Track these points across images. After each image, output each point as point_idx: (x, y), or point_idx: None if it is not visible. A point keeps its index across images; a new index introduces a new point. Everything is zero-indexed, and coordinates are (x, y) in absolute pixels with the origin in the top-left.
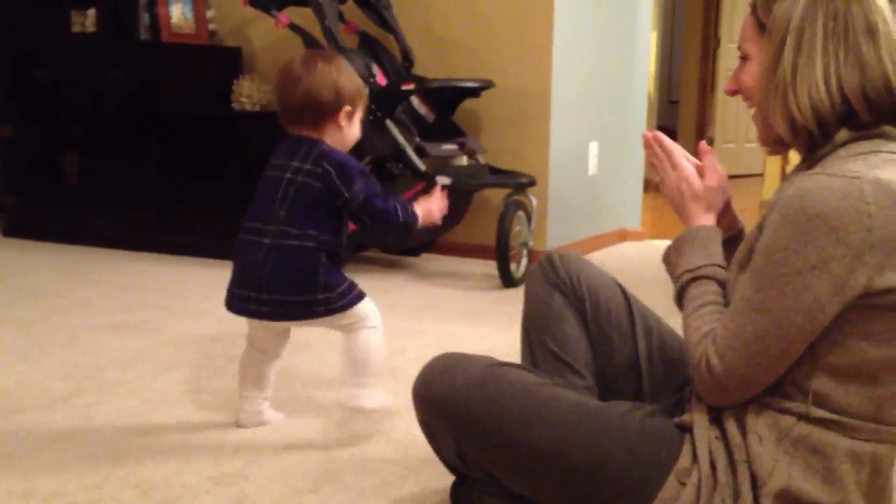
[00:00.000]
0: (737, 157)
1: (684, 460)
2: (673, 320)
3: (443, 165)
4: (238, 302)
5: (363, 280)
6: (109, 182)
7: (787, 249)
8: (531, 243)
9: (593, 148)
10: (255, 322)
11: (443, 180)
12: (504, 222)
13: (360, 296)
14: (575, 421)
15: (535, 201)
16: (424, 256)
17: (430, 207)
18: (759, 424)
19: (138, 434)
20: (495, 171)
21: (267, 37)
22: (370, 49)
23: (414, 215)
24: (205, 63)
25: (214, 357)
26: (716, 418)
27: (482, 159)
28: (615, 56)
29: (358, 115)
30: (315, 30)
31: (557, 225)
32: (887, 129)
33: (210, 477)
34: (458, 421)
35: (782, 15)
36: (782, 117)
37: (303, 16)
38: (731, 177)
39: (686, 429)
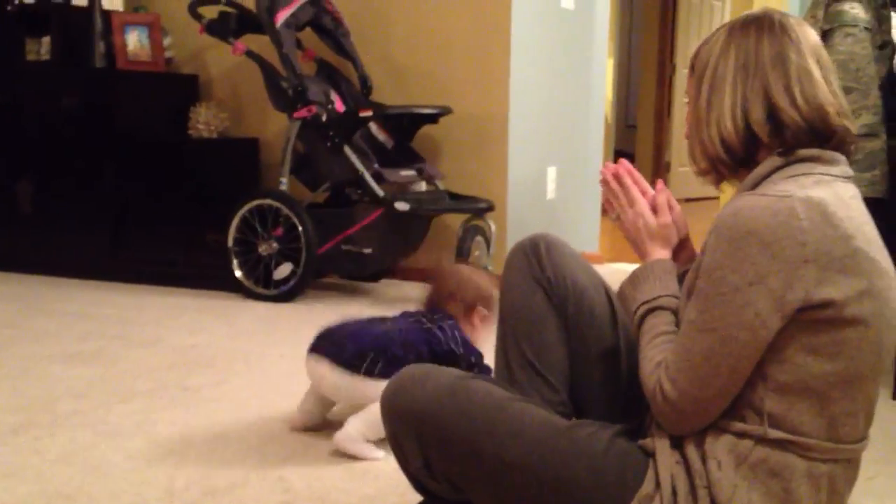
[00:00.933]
0: (693, 180)
1: (648, 486)
2: None
3: (401, 191)
4: None
5: (323, 306)
6: (64, 210)
7: (723, 268)
8: (491, 268)
9: (551, 172)
10: None
11: (401, 206)
12: (463, 247)
13: None
14: (543, 437)
15: (493, 226)
16: (383, 282)
17: None
18: (718, 449)
19: (90, 468)
20: (454, 197)
21: (224, 64)
22: (328, 76)
23: None
24: (161, 90)
25: (169, 387)
26: (677, 443)
27: (441, 185)
28: (572, 82)
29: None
30: (272, 57)
31: None
32: (821, 152)
33: None
34: (426, 430)
35: (704, 55)
36: (699, 149)
37: (260, 43)
38: (688, 200)
39: (649, 453)
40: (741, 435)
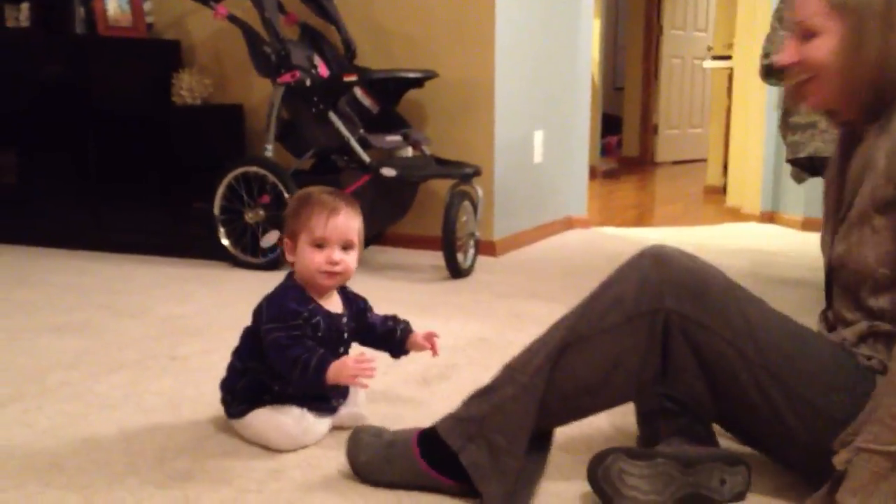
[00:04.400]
0: (680, 142)
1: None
2: None
3: (388, 157)
4: None
5: None
6: (48, 180)
7: None
8: (478, 233)
9: (538, 136)
10: None
11: (388, 172)
12: (450, 213)
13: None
14: (811, 335)
15: (480, 191)
16: (371, 248)
17: (346, 366)
18: None
19: (81, 439)
20: (441, 162)
21: (206, 29)
22: (312, 40)
23: (316, 376)
24: (143, 57)
25: (158, 357)
26: None
27: (427, 150)
28: (559, 44)
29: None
30: (255, 21)
31: (504, 214)
32: None
33: (153, 480)
34: (705, 296)
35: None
36: (870, 87)
37: (242, 7)
38: (675, 162)
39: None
40: None
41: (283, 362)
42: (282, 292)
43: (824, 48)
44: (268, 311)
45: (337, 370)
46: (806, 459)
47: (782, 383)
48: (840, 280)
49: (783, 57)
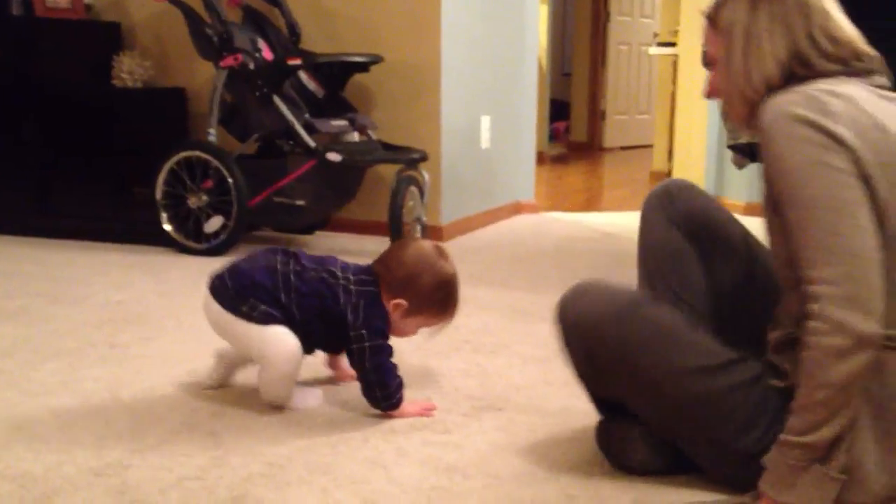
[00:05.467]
0: (628, 128)
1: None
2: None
3: (334, 142)
4: None
5: None
6: None
7: (793, 156)
8: (425, 218)
9: (485, 122)
10: None
11: (333, 157)
12: (396, 198)
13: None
14: (697, 371)
15: (427, 176)
16: (318, 234)
17: (416, 404)
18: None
19: (16, 426)
20: (387, 147)
21: (146, 11)
22: (255, 23)
23: (397, 403)
24: (82, 39)
25: (97, 344)
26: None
27: (374, 135)
28: (505, 30)
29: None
30: (196, 3)
31: (451, 199)
32: (841, 72)
33: (91, 468)
34: (592, 342)
35: (729, 15)
36: (740, 99)
37: None
38: (623, 148)
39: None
40: None
41: (386, 380)
42: (380, 310)
43: (718, 73)
44: (371, 319)
45: (408, 405)
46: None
47: (691, 432)
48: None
49: (704, 91)
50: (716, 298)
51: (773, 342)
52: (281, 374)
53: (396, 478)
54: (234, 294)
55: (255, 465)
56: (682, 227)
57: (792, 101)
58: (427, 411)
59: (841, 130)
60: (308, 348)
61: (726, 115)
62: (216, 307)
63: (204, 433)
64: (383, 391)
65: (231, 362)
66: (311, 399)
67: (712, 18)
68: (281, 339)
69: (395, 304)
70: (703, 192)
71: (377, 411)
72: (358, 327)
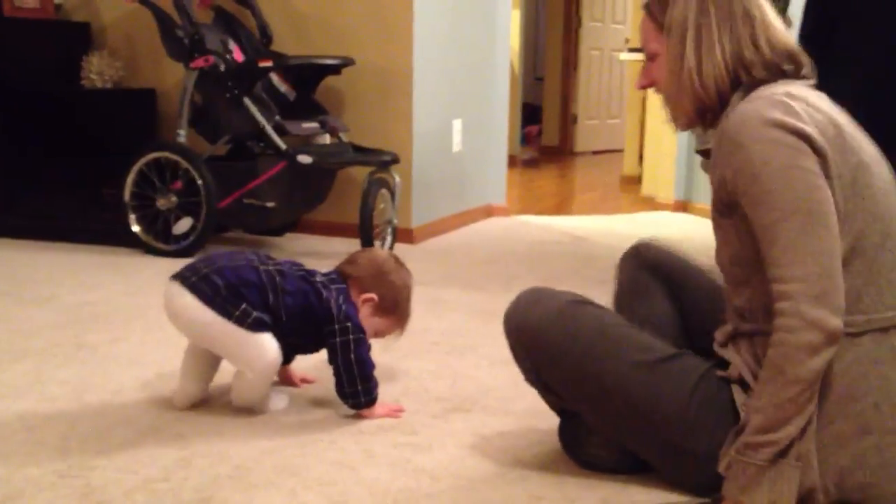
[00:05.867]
0: (599, 133)
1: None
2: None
3: (304, 144)
4: None
5: None
6: None
7: (764, 161)
8: (395, 221)
9: (457, 125)
10: None
11: (304, 159)
12: (367, 200)
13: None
14: (639, 363)
15: (398, 179)
16: (288, 236)
17: (384, 406)
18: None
19: None
20: (358, 149)
21: (117, 11)
22: (226, 24)
23: (372, 401)
24: (51, 39)
25: (64, 345)
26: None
27: (345, 137)
28: (477, 34)
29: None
30: (167, 4)
31: (422, 202)
32: (779, 77)
33: (55, 469)
34: (537, 347)
35: (679, 14)
36: (690, 99)
37: None
38: (594, 152)
39: (731, 380)
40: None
41: (368, 372)
42: (354, 306)
43: (660, 67)
44: (353, 316)
45: (377, 406)
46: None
47: (642, 435)
48: (724, 281)
49: (638, 81)
50: (685, 331)
51: (718, 338)
52: (262, 381)
53: (364, 479)
54: (225, 294)
55: (221, 467)
56: (651, 272)
57: (758, 107)
58: (395, 413)
59: (810, 131)
60: (286, 354)
61: (673, 117)
62: (195, 304)
63: (170, 435)
64: (365, 384)
65: (202, 377)
66: (279, 402)
67: (654, 14)
68: (267, 346)
69: (366, 299)
70: (671, 247)
71: (346, 413)
72: (342, 320)
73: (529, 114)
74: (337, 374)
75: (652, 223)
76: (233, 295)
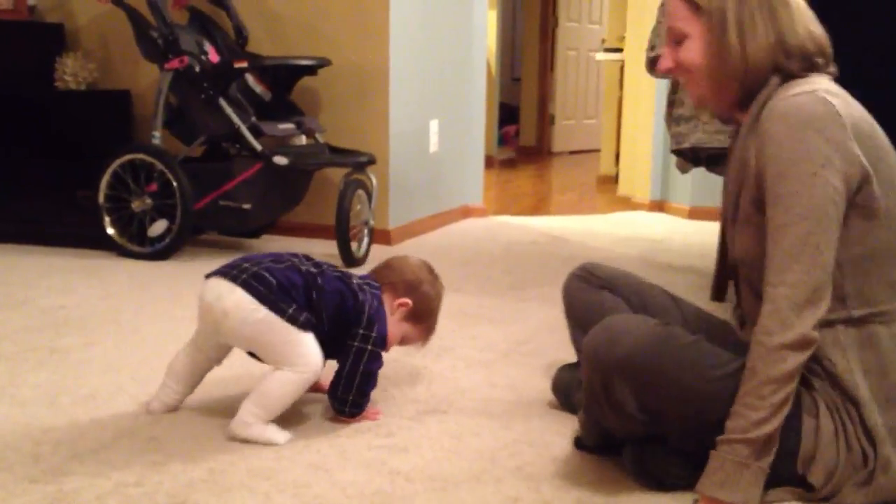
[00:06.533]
0: (576, 133)
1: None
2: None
3: (280, 145)
4: None
5: (200, 264)
6: None
7: (794, 162)
8: (372, 222)
9: (434, 125)
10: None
11: (280, 160)
12: (344, 201)
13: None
14: (735, 368)
15: (375, 180)
16: (265, 237)
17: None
18: (826, 348)
19: None
20: (335, 150)
21: (91, 12)
22: (201, 25)
23: (365, 403)
24: (24, 40)
25: (37, 349)
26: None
27: (321, 138)
28: (454, 35)
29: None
30: (141, 5)
31: (399, 203)
32: (810, 70)
33: (27, 475)
34: (643, 376)
35: (718, 2)
36: (736, 79)
37: None
38: (571, 152)
39: None
40: (829, 324)
41: (368, 388)
42: (385, 316)
43: (693, 50)
44: (381, 325)
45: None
46: None
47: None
48: (744, 275)
49: (662, 63)
50: None
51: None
52: (302, 384)
53: (339, 482)
54: (277, 290)
55: (195, 471)
56: (610, 289)
57: (801, 104)
58: (373, 415)
59: (850, 142)
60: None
61: (702, 101)
62: (248, 300)
63: (144, 439)
64: (359, 397)
65: (189, 383)
66: (282, 436)
67: (696, 6)
68: (315, 348)
69: (401, 303)
70: (616, 267)
71: (322, 415)
72: (369, 328)
73: (507, 114)
74: (338, 375)
75: (628, 223)
76: (284, 294)
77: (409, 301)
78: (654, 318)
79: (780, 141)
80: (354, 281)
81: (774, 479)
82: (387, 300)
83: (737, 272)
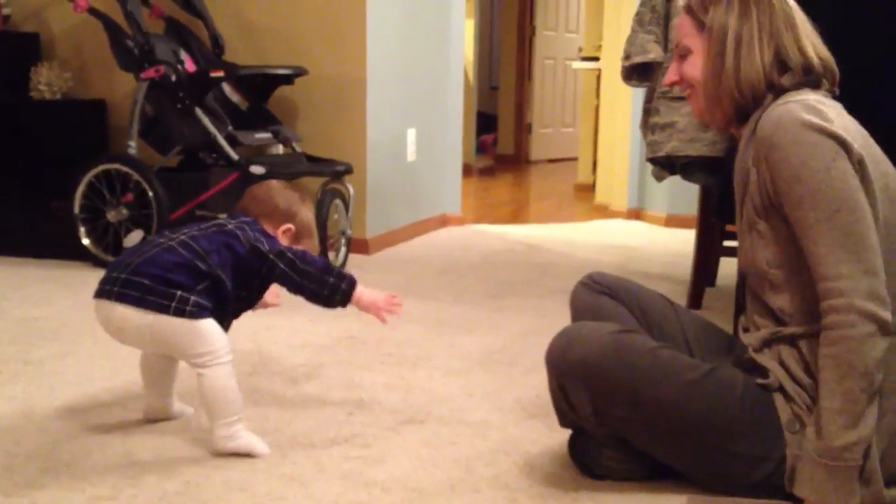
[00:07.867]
0: (553, 141)
1: (784, 414)
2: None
3: (257, 154)
4: None
5: None
6: None
7: (805, 162)
8: (349, 231)
9: (411, 134)
10: None
11: (257, 170)
12: (321, 211)
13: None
14: (693, 379)
15: (352, 189)
16: None
17: (379, 297)
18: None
19: None
20: (311, 160)
21: (66, 22)
22: (178, 35)
23: (350, 288)
24: None
25: (10, 361)
26: (792, 369)
27: (298, 147)
28: (431, 44)
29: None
30: (117, 14)
31: (377, 212)
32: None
33: (0, 488)
34: (595, 380)
35: (721, 16)
36: (728, 98)
37: None
38: (549, 161)
39: (772, 388)
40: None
41: (325, 264)
42: (274, 240)
43: (694, 65)
44: (275, 242)
45: (370, 297)
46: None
47: (694, 448)
48: (749, 284)
49: (667, 76)
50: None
51: (752, 343)
52: (229, 370)
53: (315, 494)
54: (154, 289)
55: (170, 484)
56: (610, 295)
57: (793, 110)
58: (391, 302)
59: (846, 135)
60: (232, 315)
61: (701, 115)
62: (129, 312)
63: (119, 451)
64: (330, 275)
65: (163, 383)
66: (263, 447)
67: (696, 14)
68: (215, 332)
69: (284, 230)
70: (623, 277)
71: (297, 427)
72: (272, 249)
73: (484, 123)
74: (303, 289)
75: (606, 231)
76: (162, 286)
77: (290, 226)
78: (653, 323)
79: (783, 145)
80: (230, 226)
81: (762, 492)
82: (268, 230)
83: (743, 281)
